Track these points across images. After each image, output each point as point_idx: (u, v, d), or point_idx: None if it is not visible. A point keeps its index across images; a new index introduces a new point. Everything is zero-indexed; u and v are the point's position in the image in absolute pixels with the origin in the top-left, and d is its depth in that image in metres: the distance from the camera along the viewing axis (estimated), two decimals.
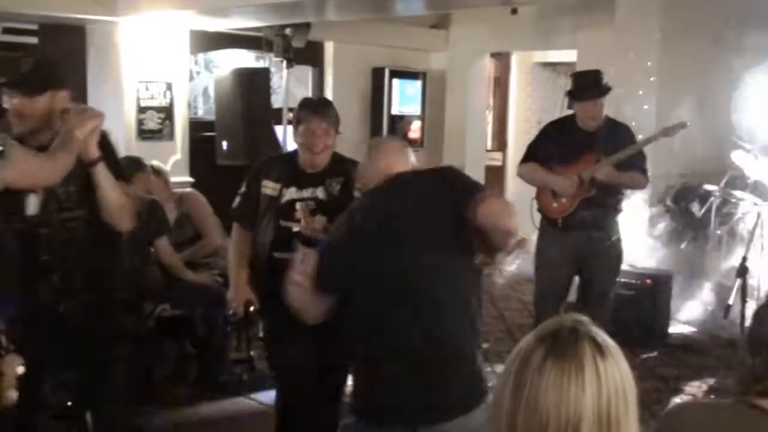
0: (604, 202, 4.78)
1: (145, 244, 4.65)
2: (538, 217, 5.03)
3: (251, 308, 3.65)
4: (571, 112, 4.97)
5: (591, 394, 1.23)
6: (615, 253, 4.91)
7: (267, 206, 3.34)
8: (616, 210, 4.90)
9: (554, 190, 4.81)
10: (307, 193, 3.31)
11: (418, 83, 7.88)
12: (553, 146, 4.85)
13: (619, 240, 4.92)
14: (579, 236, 4.80)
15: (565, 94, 4.92)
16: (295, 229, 3.25)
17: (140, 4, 5.53)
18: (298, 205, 3.27)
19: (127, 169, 4.77)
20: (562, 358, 1.25)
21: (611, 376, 1.25)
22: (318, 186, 3.31)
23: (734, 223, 6.45)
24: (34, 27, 6.09)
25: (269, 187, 3.34)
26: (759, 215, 5.67)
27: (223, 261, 5.24)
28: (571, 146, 4.78)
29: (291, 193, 3.30)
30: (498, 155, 9.76)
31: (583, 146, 4.75)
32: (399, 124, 7.72)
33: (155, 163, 5.25)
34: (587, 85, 4.79)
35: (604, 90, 4.76)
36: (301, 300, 2.44)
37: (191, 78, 7.02)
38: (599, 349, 1.26)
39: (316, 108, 3.33)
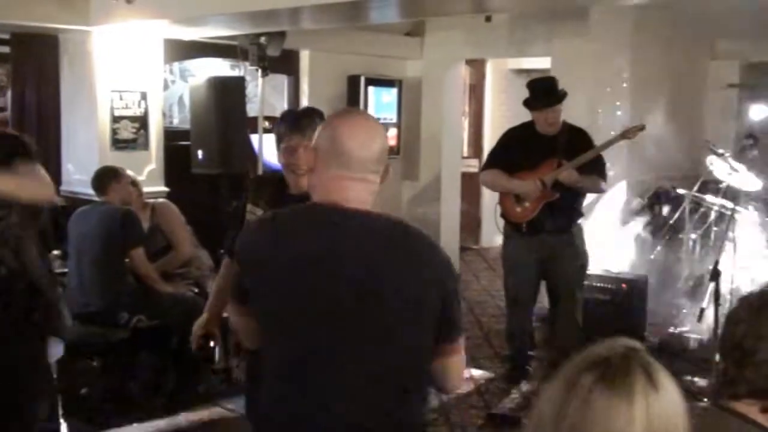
0: (567, 205, 4.88)
1: (120, 254, 4.64)
2: (502, 222, 5.10)
3: (210, 342, 3.20)
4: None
5: (640, 426, 1.17)
6: (579, 256, 5.00)
7: None
8: (578, 213, 5.01)
9: (517, 194, 4.89)
10: None
11: (394, 91, 7.91)
12: (514, 152, 4.94)
13: (582, 242, 5.01)
14: (543, 240, 4.89)
15: (523, 103, 4.99)
16: None
17: (113, 14, 5.50)
18: None
19: (103, 180, 4.80)
20: (612, 388, 1.18)
21: (664, 409, 1.19)
22: None
23: (707, 227, 6.52)
24: (6, 36, 6.04)
25: (256, 215, 2.83)
26: (731, 219, 5.73)
27: (197, 271, 5.24)
28: (532, 151, 4.88)
29: None
30: (474, 162, 9.79)
31: (545, 151, 4.84)
32: None
33: (129, 173, 5.23)
34: (543, 94, 4.88)
35: (560, 97, 4.85)
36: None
37: (166, 87, 6.99)
38: (651, 380, 1.20)
39: (296, 122, 2.73)
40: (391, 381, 1.84)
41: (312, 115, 2.77)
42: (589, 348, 1.26)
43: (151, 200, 5.22)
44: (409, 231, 1.98)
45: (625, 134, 5.00)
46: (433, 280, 1.89)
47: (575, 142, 4.88)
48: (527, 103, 4.96)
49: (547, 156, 4.85)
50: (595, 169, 4.85)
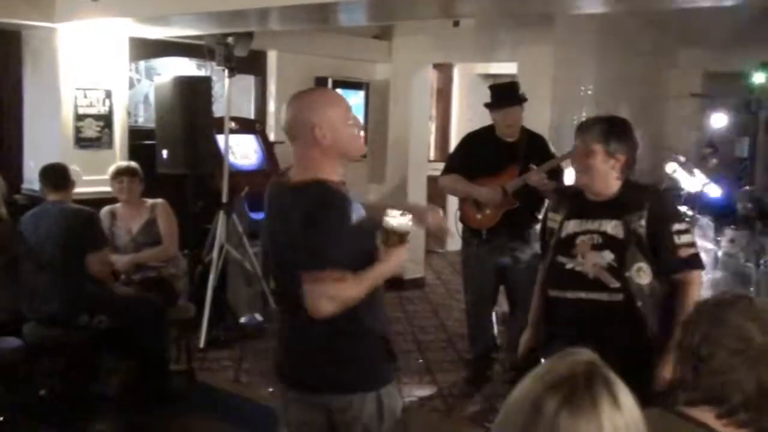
0: (527, 212, 4.91)
1: (80, 256, 4.57)
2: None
3: None
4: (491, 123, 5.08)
5: None
6: (536, 260, 5.04)
7: None
8: (537, 220, 5.04)
9: (479, 200, 4.90)
10: (594, 225, 3.10)
11: (361, 93, 7.91)
12: (474, 157, 4.95)
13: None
14: (502, 247, 4.92)
15: (484, 105, 5.03)
16: None
17: (78, 11, 5.44)
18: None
19: (63, 178, 4.73)
20: (579, 411, 1.15)
21: (627, 428, 1.18)
22: (610, 218, 3.05)
23: None
24: None
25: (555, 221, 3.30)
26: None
27: (172, 269, 5.26)
28: (493, 157, 4.90)
29: None
30: (440, 165, 9.78)
31: (505, 158, 4.87)
32: None
33: (133, 164, 5.25)
34: (503, 94, 4.94)
35: (520, 99, 4.91)
36: None
37: (131, 85, 6.92)
38: (615, 399, 1.17)
39: (578, 130, 3.15)
40: None
41: (597, 122, 3.10)
42: (550, 363, 1.23)
43: (151, 200, 5.28)
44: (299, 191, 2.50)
45: None
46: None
47: (535, 149, 4.92)
48: (488, 105, 5.00)
49: (508, 163, 4.87)
50: (557, 177, 4.91)
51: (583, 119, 6.53)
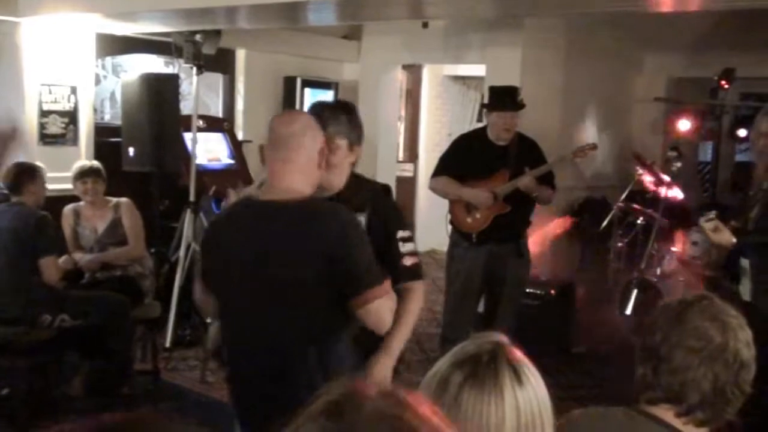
0: (517, 217, 4.91)
1: (32, 260, 4.50)
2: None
3: None
4: (481, 125, 5.07)
5: (511, 422, 1.22)
6: (525, 267, 5.06)
7: None
8: (528, 224, 5.05)
9: (470, 203, 4.89)
10: None
11: (330, 93, 7.91)
12: (465, 160, 4.93)
13: (529, 253, 5.07)
14: (491, 250, 4.91)
15: (481, 105, 5.03)
16: None
17: (43, 5, 5.37)
18: None
19: (18, 180, 4.65)
20: (482, 386, 1.22)
21: (529, 402, 1.24)
22: None
23: (634, 235, 6.70)
24: None
25: None
26: (656, 228, 5.91)
27: (139, 269, 5.20)
28: (484, 161, 4.88)
29: None
30: (409, 166, 9.86)
31: (496, 162, 4.85)
32: None
33: (96, 163, 5.16)
34: (506, 98, 4.91)
35: (521, 105, 4.90)
36: None
37: (98, 82, 6.85)
38: (518, 375, 1.24)
39: (317, 117, 2.61)
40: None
41: (336, 109, 2.71)
42: (462, 344, 1.30)
43: (114, 199, 5.18)
44: (310, 210, 2.36)
45: (577, 153, 5.09)
46: (318, 244, 2.28)
47: (527, 153, 4.88)
48: (487, 106, 4.97)
49: (499, 167, 4.84)
50: (548, 181, 4.92)
51: (550, 123, 6.59)
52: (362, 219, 2.62)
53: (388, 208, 2.71)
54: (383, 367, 2.55)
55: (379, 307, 2.30)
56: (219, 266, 2.42)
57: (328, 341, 2.34)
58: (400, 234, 2.65)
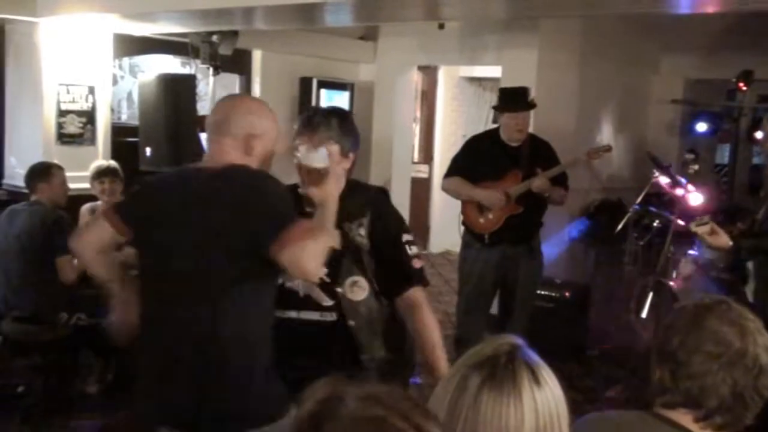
0: (529, 218, 4.91)
1: (48, 259, 4.53)
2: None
3: None
4: (495, 126, 5.07)
5: (530, 424, 1.22)
6: (537, 267, 5.05)
7: None
8: (539, 225, 5.04)
9: (482, 204, 4.89)
10: None
11: (346, 94, 7.91)
12: (478, 161, 4.93)
13: (541, 254, 5.07)
14: (504, 251, 4.91)
15: (492, 107, 5.03)
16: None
17: (61, 6, 5.40)
18: None
19: (32, 179, 4.70)
20: (500, 387, 1.23)
21: (547, 403, 1.24)
22: None
23: (650, 238, 6.66)
24: None
25: None
26: (672, 231, 5.86)
27: None
28: (496, 162, 4.88)
29: None
30: (424, 168, 9.86)
31: (509, 162, 4.85)
32: None
33: (113, 163, 5.19)
34: (517, 98, 4.91)
35: (532, 104, 4.90)
36: None
37: (115, 82, 6.89)
38: (535, 376, 1.25)
39: (308, 120, 2.58)
40: None
41: (329, 114, 2.62)
42: (476, 347, 1.30)
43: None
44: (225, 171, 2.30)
45: (591, 155, 5.07)
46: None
47: (539, 154, 4.88)
48: (498, 107, 4.97)
49: (511, 167, 4.84)
50: (561, 182, 4.91)
51: (567, 125, 6.58)
52: (364, 224, 2.54)
53: (389, 211, 2.62)
54: None
55: (298, 252, 2.09)
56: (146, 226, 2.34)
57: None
58: (405, 237, 2.58)
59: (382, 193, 2.64)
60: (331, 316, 2.53)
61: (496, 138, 4.94)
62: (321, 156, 2.35)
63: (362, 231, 2.51)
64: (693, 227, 3.53)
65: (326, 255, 2.16)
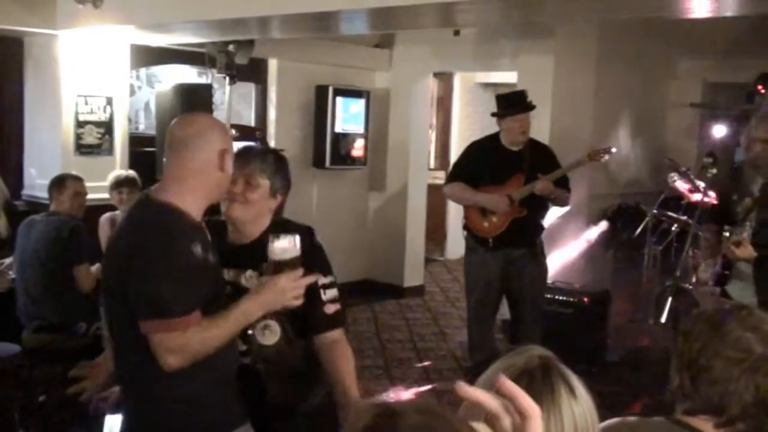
0: (532, 221, 4.94)
1: (66, 269, 4.56)
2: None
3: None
4: (495, 132, 5.09)
5: None
6: (542, 270, 5.08)
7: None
8: (542, 228, 5.09)
9: (485, 208, 4.92)
10: (230, 275, 2.49)
11: (362, 101, 7.93)
12: (479, 165, 4.96)
13: (544, 256, 5.11)
14: (507, 255, 4.94)
15: (491, 115, 5.04)
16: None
17: (79, 18, 5.45)
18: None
19: (49, 189, 4.75)
20: (539, 402, 1.17)
21: (584, 416, 1.23)
22: (245, 268, 2.51)
23: (668, 243, 6.62)
24: None
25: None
26: (691, 236, 5.82)
27: None
28: (498, 166, 4.91)
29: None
30: (440, 174, 9.85)
31: (511, 166, 4.89)
32: (342, 142, 7.75)
33: (132, 173, 5.24)
34: (517, 101, 4.95)
35: (531, 106, 4.93)
36: None
37: (132, 92, 6.94)
38: (572, 389, 1.23)
39: (244, 152, 2.56)
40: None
41: (267, 152, 2.64)
42: (508, 358, 1.27)
43: None
44: (135, 219, 2.30)
45: (592, 156, 5.08)
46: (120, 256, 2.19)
47: (540, 158, 4.94)
48: (500, 113, 4.97)
49: (513, 171, 4.89)
50: (562, 184, 4.94)
51: (583, 130, 6.55)
52: None
53: (312, 254, 2.44)
54: None
55: (159, 343, 2.08)
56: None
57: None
58: (322, 281, 2.44)
59: (308, 233, 2.49)
60: (245, 359, 2.46)
61: (497, 143, 4.98)
62: (288, 245, 2.23)
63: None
64: (731, 240, 3.57)
65: (208, 349, 2.12)
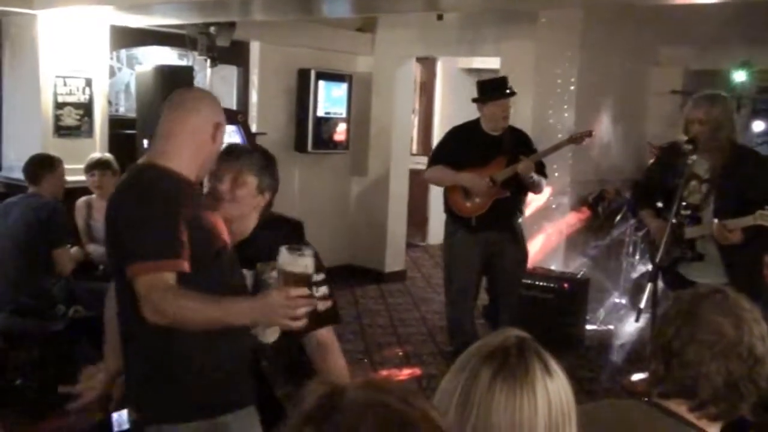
0: (513, 203, 5.05)
1: (45, 250, 4.53)
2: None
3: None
4: (475, 118, 5.18)
5: (543, 414, 1.22)
6: (521, 253, 5.18)
7: None
8: (521, 211, 5.20)
9: (467, 187, 4.99)
10: None
11: (344, 85, 7.89)
12: (462, 150, 5.04)
13: (524, 239, 5.21)
14: (488, 236, 5.02)
15: (472, 100, 5.10)
16: None
17: None
18: None
19: (37, 170, 4.69)
20: (513, 379, 1.23)
21: (559, 394, 1.25)
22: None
23: (648, 229, 6.65)
24: None
25: None
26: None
27: None
28: (479, 150, 5.00)
29: None
30: (423, 159, 9.80)
31: (492, 150, 5.00)
32: (324, 125, 7.72)
33: (106, 156, 5.19)
34: (500, 87, 5.04)
35: (513, 91, 5.04)
36: None
37: (112, 74, 6.87)
38: (546, 367, 1.25)
39: (230, 151, 2.56)
40: None
41: (254, 151, 2.67)
42: (485, 339, 1.30)
43: None
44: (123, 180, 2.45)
45: (573, 139, 5.21)
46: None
47: (520, 142, 5.06)
48: (481, 98, 5.05)
49: (495, 154, 4.99)
50: (540, 170, 5.06)
51: (565, 116, 6.57)
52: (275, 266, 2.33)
53: None
54: None
55: (143, 286, 2.12)
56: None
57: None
58: (315, 278, 2.35)
59: (298, 230, 2.53)
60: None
61: (478, 128, 5.07)
62: (304, 262, 2.18)
63: (274, 273, 2.32)
64: (728, 227, 3.59)
65: (183, 317, 2.14)
